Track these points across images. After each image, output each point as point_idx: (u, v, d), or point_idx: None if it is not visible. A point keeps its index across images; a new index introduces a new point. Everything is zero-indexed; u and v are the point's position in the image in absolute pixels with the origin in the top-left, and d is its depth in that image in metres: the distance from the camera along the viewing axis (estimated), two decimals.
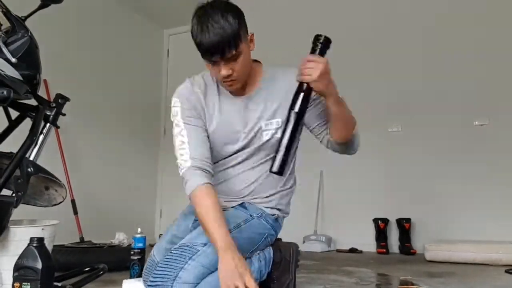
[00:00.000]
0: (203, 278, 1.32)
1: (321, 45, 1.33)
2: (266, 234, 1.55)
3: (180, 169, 1.42)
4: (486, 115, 3.64)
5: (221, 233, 1.27)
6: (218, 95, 1.54)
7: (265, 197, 1.58)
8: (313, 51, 1.34)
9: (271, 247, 1.60)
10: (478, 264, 2.98)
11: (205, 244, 1.36)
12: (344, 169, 4.04)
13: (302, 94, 1.32)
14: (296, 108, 1.31)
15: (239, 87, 1.47)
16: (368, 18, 4.21)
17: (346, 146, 1.55)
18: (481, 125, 3.66)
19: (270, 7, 4.69)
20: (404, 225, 3.70)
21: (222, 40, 1.30)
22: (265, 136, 1.52)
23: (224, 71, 1.37)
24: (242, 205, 1.57)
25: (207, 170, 1.41)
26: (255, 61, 1.59)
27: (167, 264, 1.34)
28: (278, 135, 1.47)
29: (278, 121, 1.51)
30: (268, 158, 1.54)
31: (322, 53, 1.34)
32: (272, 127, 1.52)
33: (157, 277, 1.34)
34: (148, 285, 1.36)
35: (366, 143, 3.95)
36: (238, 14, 1.37)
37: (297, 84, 1.34)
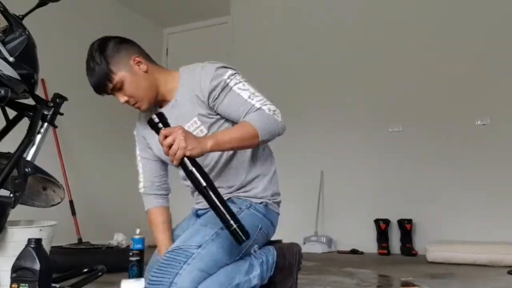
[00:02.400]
0: (200, 281, 1.30)
1: (160, 122, 1.28)
2: (260, 226, 1.52)
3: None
4: (488, 115, 3.63)
5: (161, 238, 1.62)
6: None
7: (243, 190, 1.55)
8: (158, 131, 1.28)
9: (275, 251, 1.57)
10: (479, 265, 2.97)
11: (199, 246, 1.35)
12: (344, 169, 4.03)
13: (192, 170, 1.24)
14: (203, 184, 1.24)
15: (148, 105, 1.54)
16: (368, 18, 4.20)
17: (264, 145, 1.56)
18: (483, 125, 3.64)
19: (271, 7, 4.69)
20: (406, 226, 3.68)
21: (97, 81, 1.49)
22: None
23: (121, 99, 1.52)
24: (229, 200, 1.53)
25: (157, 193, 1.71)
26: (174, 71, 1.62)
27: (162, 269, 1.33)
28: (204, 130, 1.48)
29: (195, 120, 1.50)
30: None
31: (166, 126, 1.28)
32: (192, 128, 1.49)
33: (152, 283, 1.32)
34: None
35: (366, 143, 4.00)
36: (105, 50, 1.48)
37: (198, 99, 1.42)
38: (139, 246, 2.15)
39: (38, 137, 1.76)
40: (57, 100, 1.83)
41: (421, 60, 3.94)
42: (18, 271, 1.44)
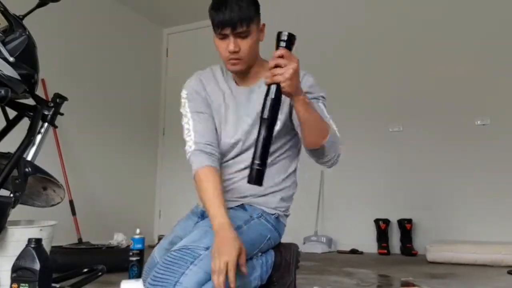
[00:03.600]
0: (203, 284, 1.29)
1: (287, 42, 1.24)
2: (269, 237, 1.53)
3: (187, 155, 1.49)
4: (488, 115, 3.63)
5: (221, 211, 1.33)
6: (225, 86, 1.60)
7: (261, 196, 1.55)
8: (278, 47, 1.24)
9: (272, 251, 1.58)
10: (479, 265, 2.97)
11: (207, 248, 1.33)
12: (344, 169, 4.00)
13: (271, 98, 1.21)
14: (265, 115, 1.21)
15: (243, 68, 1.51)
16: (368, 18, 4.20)
17: (317, 155, 1.45)
18: (483, 125, 3.64)
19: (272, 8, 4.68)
20: (406, 226, 3.68)
21: (237, 15, 1.40)
22: None
23: (231, 46, 1.44)
24: (241, 206, 1.54)
25: (210, 153, 1.47)
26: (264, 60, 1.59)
27: (168, 267, 1.31)
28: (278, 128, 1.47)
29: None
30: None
31: (288, 49, 1.24)
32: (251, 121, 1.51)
33: (156, 280, 1.31)
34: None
35: (366, 143, 4.00)
36: (255, 2, 1.49)
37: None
38: (139, 246, 2.16)
39: (39, 137, 1.77)
40: (57, 100, 1.83)
41: (421, 60, 3.94)
42: (18, 271, 1.44)
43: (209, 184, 1.39)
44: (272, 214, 1.55)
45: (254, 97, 1.53)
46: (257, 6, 1.49)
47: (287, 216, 1.65)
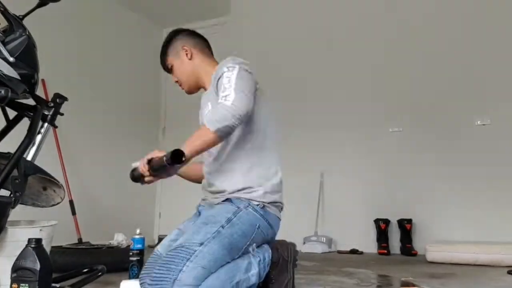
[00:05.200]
0: (202, 279, 1.32)
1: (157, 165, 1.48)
2: (258, 225, 1.55)
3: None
4: (488, 115, 3.63)
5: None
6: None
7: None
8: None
9: (269, 249, 1.59)
10: (479, 265, 2.97)
11: (201, 244, 1.37)
12: (344, 169, 4.03)
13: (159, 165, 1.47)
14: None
15: (187, 89, 1.83)
16: (367, 18, 4.20)
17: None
18: (483, 125, 3.65)
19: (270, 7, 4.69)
20: (405, 226, 3.68)
21: (161, 61, 1.86)
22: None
23: (173, 79, 1.86)
24: (227, 200, 1.59)
25: None
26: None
27: (165, 266, 1.34)
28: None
29: (208, 104, 1.68)
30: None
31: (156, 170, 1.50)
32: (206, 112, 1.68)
33: (155, 280, 1.33)
34: None
35: (366, 143, 4.00)
36: (169, 38, 1.85)
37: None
38: (139, 246, 2.16)
39: (39, 137, 1.76)
40: (57, 100, 1.83)
41: (421, 60, 3.94)
42: (18, 271, 1.44)
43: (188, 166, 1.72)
44: (257, 205, 1.57)
45: (205, 98, 1.75)
46: (170, 39, 1.83)
47: (277, 208, 1.65)
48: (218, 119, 1.44)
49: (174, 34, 1.84)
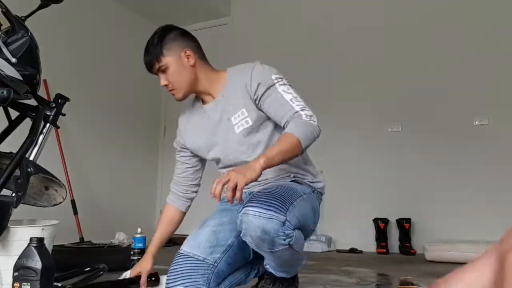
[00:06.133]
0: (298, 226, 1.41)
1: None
2: (318, 211, 1.64)
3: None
4: (486, 115, 3.64)
5: (151, 248, 1.77)
6: (201, 110, 1.73)
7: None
8: None
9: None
10: None
11: (300, 196, 1.47)
12: (344, 169, 4.04)
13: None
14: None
15: (181, 95, 1.66)
16: (367, 18, 4.21)
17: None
18: (481, 125, 3.66)
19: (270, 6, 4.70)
20: (404, 225, 3.70)
21: (149, 58, 1.63)
22: (237, 130, 1.59)
23: (161, 82, 1.64)
24: (295, 181, 1.62)
25: (177, 194, 1.82)
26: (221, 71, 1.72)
27: (278, 200, 1.36)
28: (250, 122, 1.57)
29: (242, 111, 1.58)
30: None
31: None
32: (238, 119, 1.59)
33: (262, 216, 1.32)
34: None
35: (366, 143, 4.01)
36: (165, 35, 1.62)
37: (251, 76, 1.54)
38: (140, 245, 2.17)
39: (41, 137, 1.77)
40: (59, 101, 1.84)
41: (420, 61, 3.95)
42: (20, 270, 1.45)
43: (162, 222, 1.82)
44: (319, 193, 1.68)
45: (222, 104, 1.64)
46: (164, 37, 1.62)
47: (319, 192, 1.69)
48: (310, 138, 1.45)
49: (169, 32, 1.63)
